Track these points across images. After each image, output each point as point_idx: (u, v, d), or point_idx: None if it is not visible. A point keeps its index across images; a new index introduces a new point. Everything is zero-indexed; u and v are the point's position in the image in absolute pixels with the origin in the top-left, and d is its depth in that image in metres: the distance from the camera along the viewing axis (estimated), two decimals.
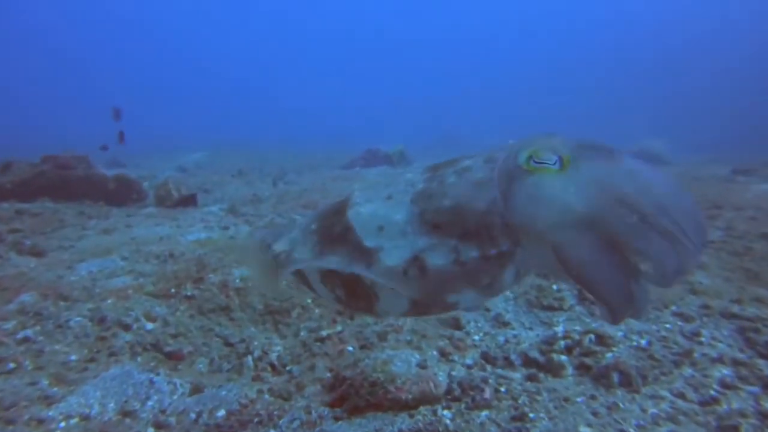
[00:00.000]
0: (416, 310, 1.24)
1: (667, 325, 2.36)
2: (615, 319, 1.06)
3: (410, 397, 1.92)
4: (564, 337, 2.29)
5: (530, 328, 2.47)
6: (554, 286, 2.78)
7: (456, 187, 1.15)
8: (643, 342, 2.25)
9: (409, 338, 2.40)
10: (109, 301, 2.87)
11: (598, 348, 2.21)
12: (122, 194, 6.59)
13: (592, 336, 2.27)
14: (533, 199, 1.05)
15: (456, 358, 2.26)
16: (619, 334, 2.32)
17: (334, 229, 1.24)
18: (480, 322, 2.53)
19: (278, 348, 2.53)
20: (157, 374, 2.09)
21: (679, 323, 2.37)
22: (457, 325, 2.50)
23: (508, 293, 2.77)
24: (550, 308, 2.59)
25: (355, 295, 1.26)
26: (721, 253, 3.89)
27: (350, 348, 2.43)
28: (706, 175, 9.13)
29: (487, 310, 2.62)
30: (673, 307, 2.49)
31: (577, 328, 2.41)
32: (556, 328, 2.43)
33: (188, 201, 6.43)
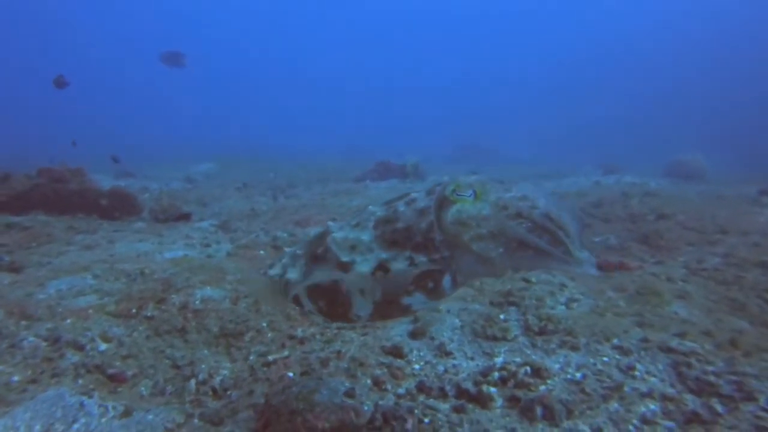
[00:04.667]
0: (379, 313, 1.68)
1: (605, 359, 2.44)
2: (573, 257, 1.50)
3: (327, 425, 2.05)
4: (500, 369, 2.39)
5: (471, 359, 2.57)
6: (501, 316, 2.87)
7: (405, 214, 1.65)
8: (578, 375, 2.34)
9: (346, 366, 2.53)
10: (68, 321, 3.08)
11: (532, 380, 2.31)
12: (117, 208, 6.89)
13: (528, 368, 2.36)
14: (456, 221, 1.55)
15: (389, 386, 2.38)
16: (556, 366, 2.41)
17: (317, 251, 1.73)
18: (423, 351, 2.64)
19: (225, 372, 2.69)
20: (90, 397, 2.26)
21: (617, 357, 2.44)
22: (399, 353, 2.62)
23: (456, 321, 2.87)
24: (493, 338, 2.69)
25: (334, 304, 1.71)
26: (709, 282, 3.91)
27: (290, 374, 2.57)
28: (731, 195, 9.00)
29: (432, 338, 2.73)
30: (615, 340, 2.56)
31: (517, 359, 2.50)
32: (496, 359, 2.53)
33: (181, 217, 6.70)
